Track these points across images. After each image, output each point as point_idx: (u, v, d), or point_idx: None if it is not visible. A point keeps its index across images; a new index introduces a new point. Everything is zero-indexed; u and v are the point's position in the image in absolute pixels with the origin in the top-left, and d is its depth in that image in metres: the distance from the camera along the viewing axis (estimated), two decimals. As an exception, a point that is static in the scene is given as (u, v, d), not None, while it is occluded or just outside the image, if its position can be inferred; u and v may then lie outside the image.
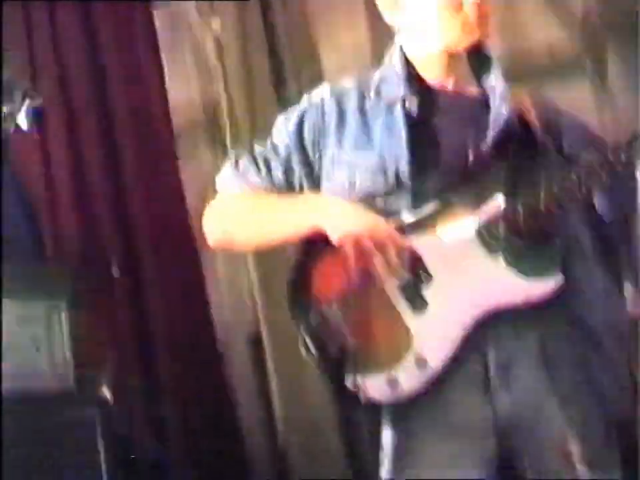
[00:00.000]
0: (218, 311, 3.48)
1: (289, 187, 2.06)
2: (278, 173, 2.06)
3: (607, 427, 1.88)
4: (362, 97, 2.06)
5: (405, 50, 2.05)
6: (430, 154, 1.95)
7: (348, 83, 2.11)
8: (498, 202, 1.83)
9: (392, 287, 1.83)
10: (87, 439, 2.70)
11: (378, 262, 1.80)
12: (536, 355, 1.83)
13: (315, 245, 1.93)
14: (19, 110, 2.37)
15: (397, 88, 2.01)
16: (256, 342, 3.44)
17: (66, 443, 2.67)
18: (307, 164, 2.05)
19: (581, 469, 1.78)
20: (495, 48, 2.08)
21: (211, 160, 3.51)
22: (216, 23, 2.81)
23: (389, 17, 2.04)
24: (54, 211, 3.14)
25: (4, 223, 2.71)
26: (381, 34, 2.38)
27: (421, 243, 1.85)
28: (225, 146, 3.26)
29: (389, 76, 2.05)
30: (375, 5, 2.05)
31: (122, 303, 3.11)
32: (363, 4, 3.41)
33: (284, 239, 2.02)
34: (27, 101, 2.34)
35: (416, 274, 1.83)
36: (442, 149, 1.95)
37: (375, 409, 1.85)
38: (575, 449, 1.79)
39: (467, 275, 1.82)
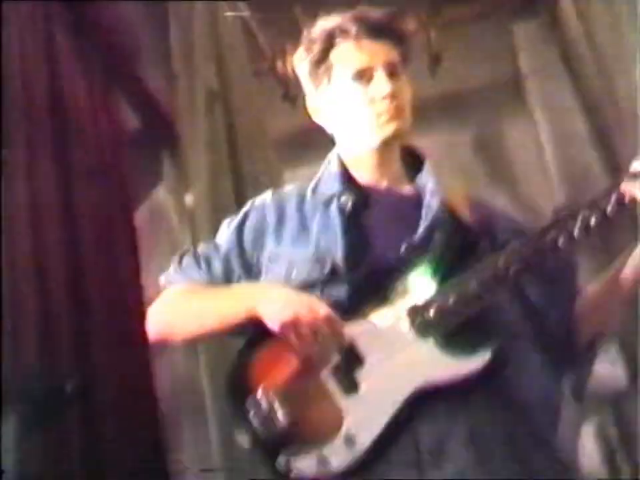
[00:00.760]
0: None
1: (227, 283, 2.18)
2: (217, 270, 2.19)
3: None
4: (301, 199, 2.23)
5: (339, 152, 2.25)
6: (364, 247, 2.06)
7: (289, 188, 2.32)
8: (429, 288, 1.94)
9: (324, 369, 1.91)
10: None
11: (312, 345, 1.88)
12: (466, 434, 1.85)
13: (257, 334, 2.00)
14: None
15: (332, 186, 2.19)
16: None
17: None
18: (246, 262, 2.17)
19: None
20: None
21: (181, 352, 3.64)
22: (190, 197, 3.10)
23: (317, 121, 2.28)
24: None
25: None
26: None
27: (353, 328, 1.93)
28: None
29: (326, 176, 2.24)
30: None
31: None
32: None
33: (222, 328, 2.09)
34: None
35: (347, 357, 1.90)
36: (376, 242, 2.07)
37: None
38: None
39: (397, 356, 1.89)
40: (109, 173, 3.60)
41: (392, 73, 2.14)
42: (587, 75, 4.01)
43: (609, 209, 1.88)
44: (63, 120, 3.36)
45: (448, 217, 2.08)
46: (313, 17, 4.57)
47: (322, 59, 2.22)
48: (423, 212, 2.07)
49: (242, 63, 3.70)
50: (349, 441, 1.83)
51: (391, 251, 2.02)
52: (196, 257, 2.24)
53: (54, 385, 2.80)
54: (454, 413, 1.86)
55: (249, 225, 2.22)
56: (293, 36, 4.55)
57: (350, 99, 2.15)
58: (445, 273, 1.95)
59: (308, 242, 2.12)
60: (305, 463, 1.85)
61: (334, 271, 2.03)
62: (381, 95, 2.09)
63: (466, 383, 1.84)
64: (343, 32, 2.20)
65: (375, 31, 2.18)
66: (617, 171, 3.77)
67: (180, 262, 2.27)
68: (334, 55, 2.20)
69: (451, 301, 1.90)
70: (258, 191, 3.32)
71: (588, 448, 3.30)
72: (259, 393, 1.92)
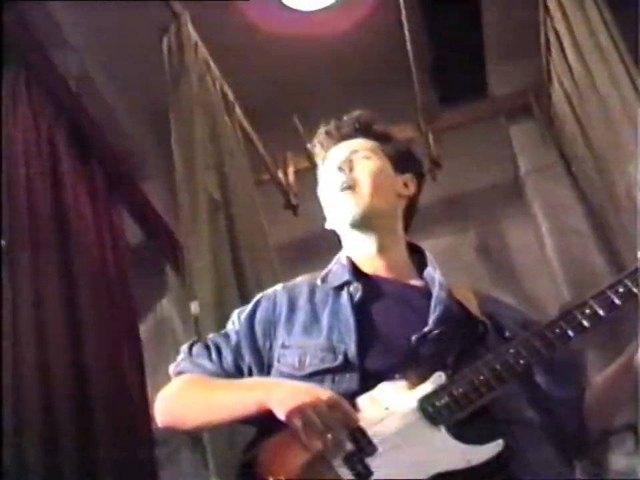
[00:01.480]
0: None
1: (237, 372, 2.14)
2: (228, 359, 2.15)
3: None
4: (312, 289, 2.23)
5: (348, 252, 2.31)
6: (375, 335, 2.05)
7: (299, 279, 2.33)
8: (440, 377, 1.91)
9: (336, 457, 1.83)
10: None
11: (320, 432, 1.81)
12: None
13: (264, 428, 1.95)
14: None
15: (341, 276, 2.21)
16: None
17: None
18: (257, 352, 2.14)
19: None
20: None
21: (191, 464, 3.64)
22: (195, 305, 3.10)
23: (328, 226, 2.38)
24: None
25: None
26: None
27: (366, 417, 1.88)
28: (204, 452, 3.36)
29: (335, 268, 2.27)
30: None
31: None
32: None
33: (230, 419, 2.03)
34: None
35: (359, 445, 1.84)
36: (387, 331, 2.06)
37: None
38: None
39: (410, 443, 1.85)
40: (112, 284, 3.65)
41: (365, 157, 2.31)
42: (585, 172, 4.08)
43: (617, 300, 1.90)
44: (68, 238, 3.41)
45: (457, 308, 2.10)
46: (313, 126, 4.67)
47: (322, 158, 2.44)
48: (432, 303, 2.08)
49: (243, 172, 3.76)
50: None
51: (402, 342, 2.01)
52: (206, 346, 2.21)
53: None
54: None
55: (260, 315, 2.21)
56: (293, 145, 4.66)
57: (329, 188, 2.34)
58: (455, 363, 1.94)
59: (319, 331, 2.11)
60: None
61: (346, 360, 2.01)
62: (340, 187, 2.26)
63: (480, 471, 1.80)
64: (329, 134, 2.44)
65: (353, 131, 2.40)
66: (619, 266, 3.81)
67: (190, 351, 2.23)
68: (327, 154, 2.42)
69: (461, 390, 1.87)
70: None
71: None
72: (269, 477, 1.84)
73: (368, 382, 1.97)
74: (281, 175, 4.65)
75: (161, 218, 4.26)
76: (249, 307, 2.27)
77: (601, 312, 1.91)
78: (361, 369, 2.00)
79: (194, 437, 3.62)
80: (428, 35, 4.61)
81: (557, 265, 4.28)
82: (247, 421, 2.01)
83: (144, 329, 3.64)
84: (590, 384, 2.14)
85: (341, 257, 2.31)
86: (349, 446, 1.84)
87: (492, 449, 1.81)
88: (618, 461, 2.17)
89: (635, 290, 1.91)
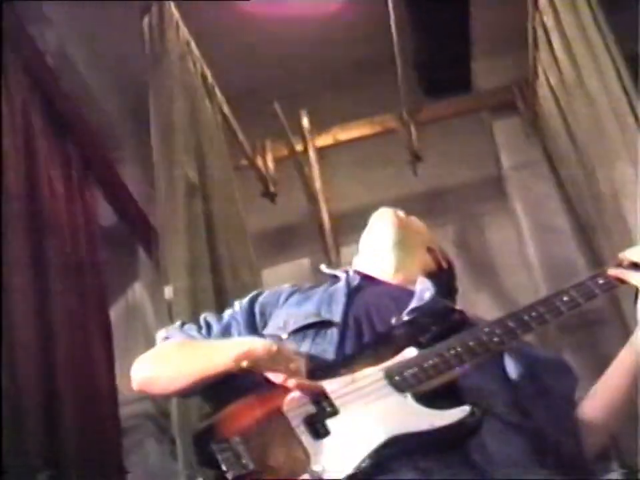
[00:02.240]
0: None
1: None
2: (217, 334, 2.18)
3: None
4: (314, 285, 2.36)
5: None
6: (360, 316, 2.10)
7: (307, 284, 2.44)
8: (411, 352, 1.92)
9: (295, 416, 1.85)
10: None
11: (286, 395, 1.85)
12: None
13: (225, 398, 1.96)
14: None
15: (344, 271, 2.35)
16: None
17: None
18: (252, 329, 2.19)
19: None
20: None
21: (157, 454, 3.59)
22: (168, 290, 3.06)
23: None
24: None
25: None
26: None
27: (331, 382, 1.89)
28: (172, 441, 3.31)
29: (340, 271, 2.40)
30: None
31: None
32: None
33: (207, 375, 1.99)
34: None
35: (322, 407, 1.84)
36: (371, 316, 2.10)
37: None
38: None
39: (373, 407, 1.84)
40: (83, 265, 3.58)
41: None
42: (568, 170, 4.04)
43: (597, 290, 1.90)
44: (39, 215, 3.35)
45: (439, 303, 2.12)
46: (294, 113, 4.62)
47: None
48: (415, 297, 2.12)
49: (222, 157, 3.70)
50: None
51: (382, 323, 2.06)
52: (198, 322, 2.25)
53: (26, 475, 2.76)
54: (421, 476, 1.76)
55: (261, 299, 2.27)
56: (273, 132, 4.62)
57: None
58: (428, 343, 1.93)
59: (309, 304, 2.20)
60: None
61: (328, 324, 2.07)
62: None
63: (442, 437, 1.80)
64: None
65: None
66: (599, 264, 3.78)
67: (181, 325, 2.26)
68: None
69: (431, 362, 1.87)
70: (237, 286, 3.31)
71: None
72: (224, 438, 1.83)
73: (344, 348, 2.01)
74: (259, 161, 4.60)
75: (134, 200, 4.18)
76: (252, 293, 2.33)
77: (580, 300, 1.90)
78: (340, 334, 2.04)
79: (161, 426, 3.58)
80: (414, 27, 4.55)
81: (536, 262, 4.27)
82: (215, 386, 1.98)
83: (114, 313, 3.57)
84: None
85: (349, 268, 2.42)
86: (310, 408, 1.84)
87: (457, 413, 1.80)
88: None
89: (615, 283, 1.91)
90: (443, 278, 2.36)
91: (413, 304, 2.11)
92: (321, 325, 2.10)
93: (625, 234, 3.24)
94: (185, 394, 2.15)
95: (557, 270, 4.17)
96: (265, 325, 2.20)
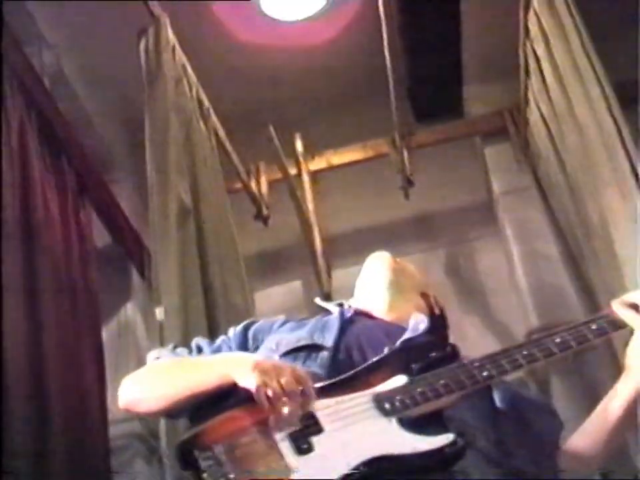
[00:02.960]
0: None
1: None
2: (208, 355, 2.21)
3: None
4: (307, 317, 2.38)
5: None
6: (352, 344, 2.14)
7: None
8: (401, 379, 1.95)
9: (280, 432, 1.86)
10: None
11: (279, 400, 1.84)
12: None
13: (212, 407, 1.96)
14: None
15: (338, 304, 2.41)
16: None
17: None
18: (243, 350, 2.22)
19: None
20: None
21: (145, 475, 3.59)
22: (160, 311, 3.07)
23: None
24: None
25: None
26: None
27: (321, 402, 1.90)
28: (161, 461, 3.31)
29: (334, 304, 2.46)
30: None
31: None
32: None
33: (193, 392, 2.00)
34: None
35: (307, 424, 1.85)
36: (362, 342, 2.14)
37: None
38: None
39: (357, 428, 1.87)
40: (76, 285, 3.59)
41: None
42: (558, 197, 4.08)
43: (590, 335, 1.94)
44: (33, 235, 3.36)
45: (432, 336, 2.13)
46: (287, 137, 4.65)
47: None
48: (410, 328, 2.15)
49: (215, 179, 3.73)
50: None
51: (374, 352, 2.07)
52: (189, 346, 2.29)
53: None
54: None
55: (255, 326, 2.31)
56: (267, 156, 4.64)
57: None
58: (418, 372, 1.95)
59: (303, 330, 2.23)
60: None
61: (320, 348, 2.11)
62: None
63: (424, 462, 1.81)
64: None
65: None
66: (588, 291, 3.81)
67: (173, 348, 2.29)
68: None
69: (419, 389, 1.90)
70: (229, 307, 3.33)
71: None
72: (208, 446, 1.84)
73: (336, 368, 2.02)
74: (253, 184, 4.63)
75: (128, 221, 4.20)
76: (246, 321, 2.37)
77: (572, 343, 1.93)
78: (332, 352, 2.09)
79: (150, 446, 3.59)
80: (406, 52, 4.60)
81: (526, 289, 4.28)
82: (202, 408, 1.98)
83: (106, 332, 3.59)
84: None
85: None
86: (296, 424, 1.86)
87: (440, 440, 1.82)
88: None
89: (608, 330, 1.95)
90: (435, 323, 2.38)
91: (407, 334, 2.13)
92: (312, 348, 2.13)
93: (613, 261, 3.27)
94: (172, 412, 2.12)
95: (547, 297, 4.20)
96: (256, 349, 2.22)
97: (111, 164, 4.51)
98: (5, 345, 2.93)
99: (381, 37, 4.02)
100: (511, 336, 4.10)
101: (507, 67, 4.19)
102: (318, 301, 2.54)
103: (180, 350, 2.28)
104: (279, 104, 4.73)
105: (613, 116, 3.28)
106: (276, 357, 2.11)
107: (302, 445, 1.82)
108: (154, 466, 3.55)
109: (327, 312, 2.41)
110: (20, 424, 2.89)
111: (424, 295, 2.41)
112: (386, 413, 1.88)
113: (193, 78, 3.84)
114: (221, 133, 4.08)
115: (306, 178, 4.64)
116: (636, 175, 3.06)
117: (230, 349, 2.24)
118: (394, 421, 1.87)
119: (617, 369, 2.13)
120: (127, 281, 4.27)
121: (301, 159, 4.67)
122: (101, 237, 4.08)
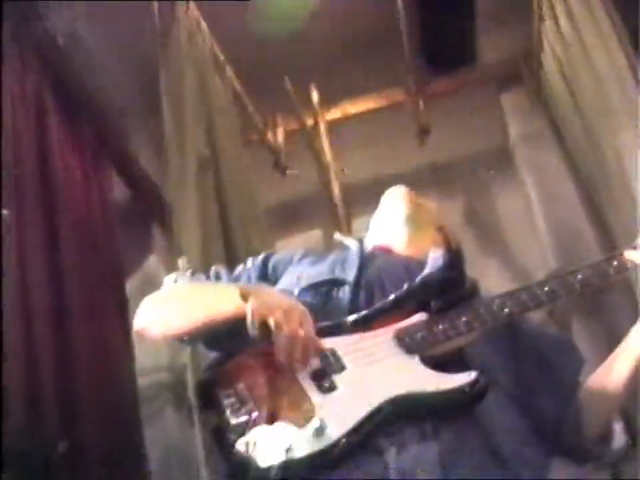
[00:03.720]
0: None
1: None
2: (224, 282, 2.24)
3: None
4: (327, 251, 2.40)
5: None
6: (372, 278, 2.14)
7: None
8: (421, 316, 1.96)
9: (302, 373, 1.86)
10: None
11: (291, 350, 1.83)
12: (434, 462, 1.78)
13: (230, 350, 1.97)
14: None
15: (357, 239, 2.42)
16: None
17: None
18: (263, 281, 2.22)
19: None
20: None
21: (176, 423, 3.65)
22: (182, 261, 3.11)
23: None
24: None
25: None
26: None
27: (343, 339, 1.92)
28: (190, 409, 3.36)
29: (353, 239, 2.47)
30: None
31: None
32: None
33: (209, 322, 1.98)
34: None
35: (329, 363, 1.86)
36: (383, 278, 2.14)
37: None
38: None
39: (379, 365, 1.87)
40: (98, 240, 3.63)
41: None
42: (574, 140, 4.07)
43: (611, 271, 1.95)
44: (54, 192, 3.40)
45: (452, 271, 2.13)
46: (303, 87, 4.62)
47: None
48: (429, 264, 2.14)
49: (233, 131, 3.76)
50: (318, 432, 1.75)
51: (394, 288, 2.06)
52: (207, 272, 2.30)
53: (43, 449, 2.79)
54: (426, 437, 1.80)
55: (275, 257, 2.33)
56: (284, 107, 4.65)
57: None
58: (439, 309, 1.97)
59: (323, 264, 2.23)
60: (267, 448, 1.76)
61: (341, 282, 2.11)
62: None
63: (447, 400, 1.82)
64: None
65: None
66: (606, 234, 3.82)
67: (192, 273, 2.31)
68: None
69: (440, 326, 1.91)
70: (250, 256, 3.36)
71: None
72: (230, 385, 1.87)
73: (357, 304, 2.04)
74: (270, 135, 4.65)
75: (148, 175, 4.24)
76: (266, 252, 2.38)
77: (593, 279, 1.94)
78: (353, 288, 2.09)
79: (179, 395, 3.64)
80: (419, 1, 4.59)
81: (545, 232, 4.29)
82: (221, 334, 1.98)
83: (130, 286, 3.64)
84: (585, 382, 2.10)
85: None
86: (318, 363, 1.86)
87: (463, 378, 1.83)
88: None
89: (629, 266, 1.95)
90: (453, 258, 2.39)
91: (427, 270, 2.12)
92: (333, 283, 2.13)
93: (629, 200, 3.29)
94: (189, 336, 2.10)
95: (566, 239, 4.20)
96: (276, 281, 2.22)
97: (128, 119, 4.52)
98: (30, 302, 3.01)
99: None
100: (531, 279, 4.09)
101: (520, 11, 4.19)
102: (337, 235, 2.55)
103: (197, 276, 2.28)
104: (294, 55, 4.70)
105: (627, 57, 3.29)
106: (296, 291, 2.11)
107: (325, 384, 1.84)
108: (183, 414, 3.59)
109: (347, 246, 2.40)
110: (47, 378, 2.93)
111: (441, 229, 2.41)
112: (408, 350, 1.89)
113: (207, 31, 3.85)
114: (237, 84, 4.10)
115: (323, 128, 4.64)
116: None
117: (249, 279, 2.24)
118: (417, 358, 1.88)
119: (637, 311, 2.13)
120: (149, 235, 4.31)
121: (317, 109, 4.70)
122: (121, 192, 4.14)
